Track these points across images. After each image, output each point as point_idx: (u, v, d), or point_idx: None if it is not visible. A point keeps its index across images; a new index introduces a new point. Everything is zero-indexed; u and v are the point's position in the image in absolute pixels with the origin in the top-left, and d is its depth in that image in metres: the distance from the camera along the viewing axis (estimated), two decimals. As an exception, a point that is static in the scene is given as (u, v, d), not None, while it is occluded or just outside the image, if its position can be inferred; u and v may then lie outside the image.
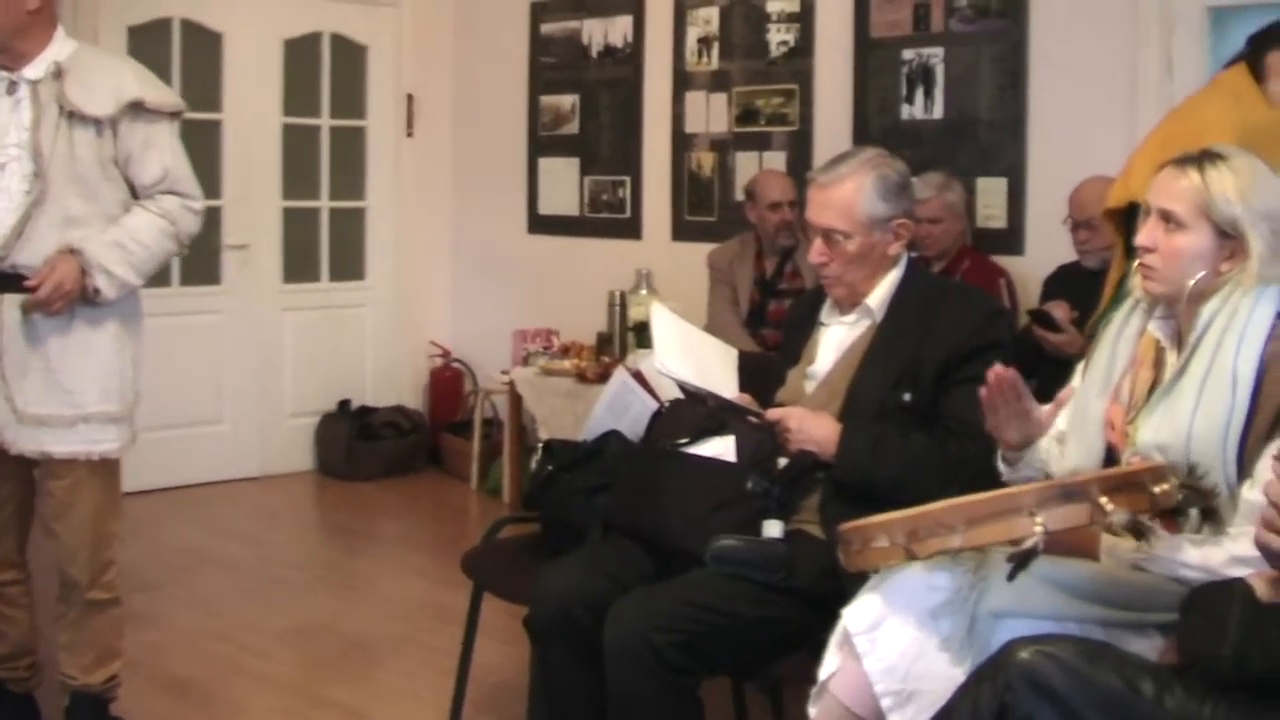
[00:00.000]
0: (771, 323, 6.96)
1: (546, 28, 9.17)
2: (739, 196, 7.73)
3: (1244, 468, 2.98)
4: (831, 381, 4.01)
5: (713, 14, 8.25)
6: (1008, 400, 3.29)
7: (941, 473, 3.70)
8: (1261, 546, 2.50)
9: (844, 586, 3.26)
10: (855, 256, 3.97)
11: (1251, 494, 2.86)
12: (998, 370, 3.27)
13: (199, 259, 8.58)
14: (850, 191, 3.96)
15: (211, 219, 8.44)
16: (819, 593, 3.53)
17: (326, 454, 9.20)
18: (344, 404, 9.29)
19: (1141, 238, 3.22)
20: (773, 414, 3.90)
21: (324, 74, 9.27)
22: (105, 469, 4.34)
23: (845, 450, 3.80)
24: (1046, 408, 3.35)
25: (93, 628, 4.40)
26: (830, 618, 3.13)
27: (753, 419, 3.92)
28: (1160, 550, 3.00)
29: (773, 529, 3.70)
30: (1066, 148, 6.70)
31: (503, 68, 9.40)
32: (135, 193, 4.31)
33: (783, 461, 3.87)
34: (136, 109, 4.23)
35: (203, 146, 8.52)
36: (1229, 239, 3.12)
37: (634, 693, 3.53)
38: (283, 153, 9.08)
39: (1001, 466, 3.46)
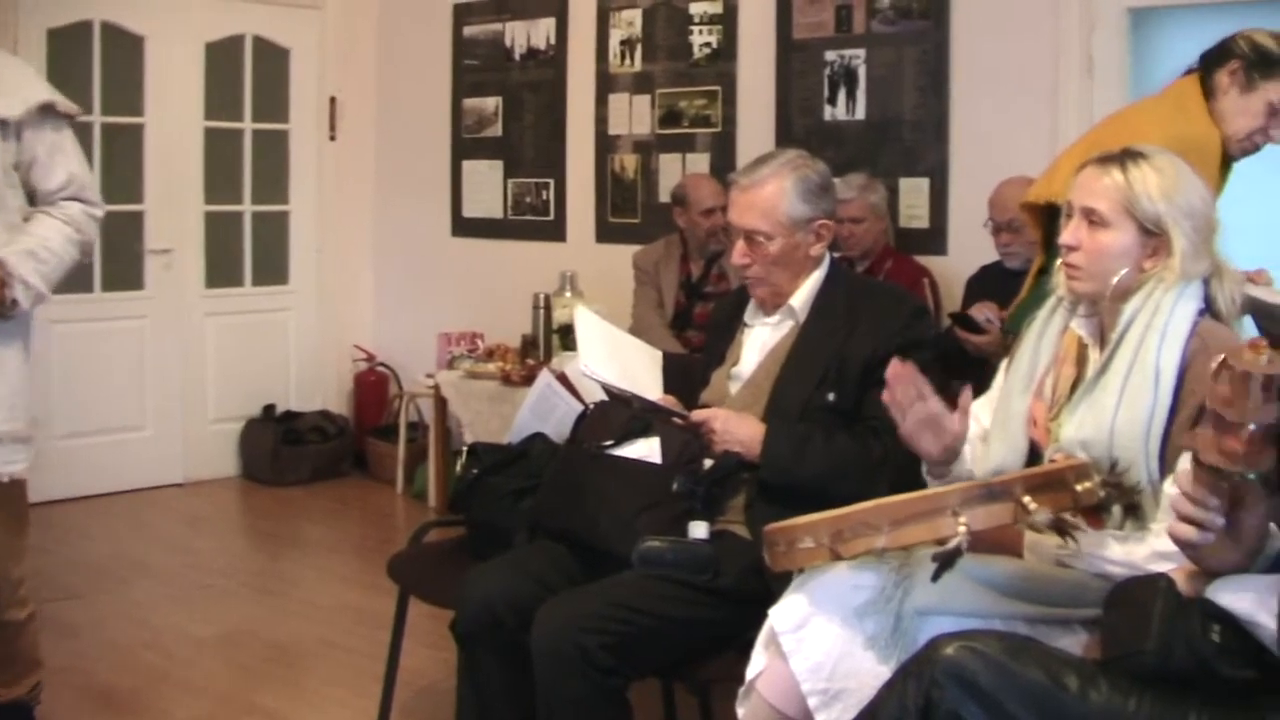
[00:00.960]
0: (697, 325, 6.96)
1: (469, 30, 9.15)
2: (663, 198, 7.75)
3: (1166, 464, 3.01)
4: (756, 382, 4.02)
5: (635, 16, 8.26)
6: (909, 396, 3.29)
7: (866, 472, 3.73)
8: (1175, 537, 2.52)
9: (770, 586, 3.27)
10: (777, 257, 3.99)
11: (1173, 489, 2.88)
12: (895, 366, 3.28)
13: (121, 264, 8.54)
14: (771, 193, 3.98)
15: (134, 224, 8.43)
16: (745, 593, 3.54)
17: (251, 459, 9.15)
18: (268, 409, 9.24)
19: (1065, 237, 3.24)
20: (698, 415, 3.91)
21: (246, 77, 9.21)
22: (13, 489, 4.22)
23: (770, 451, 3.82)
24: (956, 415, 3.35)
25: (13, 644, 4.35)
26: (757, 618, 3.13)
27: (678, 420, 3.93)
28: (1084, 547, 3.02)
29: (698, 530, 3.71)
30: (988, 148, 6.74)
31: (426, 70, 9.37)
32: (33, 199, 4.21)
33: (708, 462, 3.88)
34: (45, 112, 4.15)
35: (125, 151, 8.50)
36: (1152, 236, 3.15)
37: (562, 695, 3.52)
38: (205, 157, 9.01)
39: (929, 480, 3.47)
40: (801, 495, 3.46)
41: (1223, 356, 2.37)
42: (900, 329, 3.92)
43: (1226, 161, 4.43)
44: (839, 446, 3.83)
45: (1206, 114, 4.40)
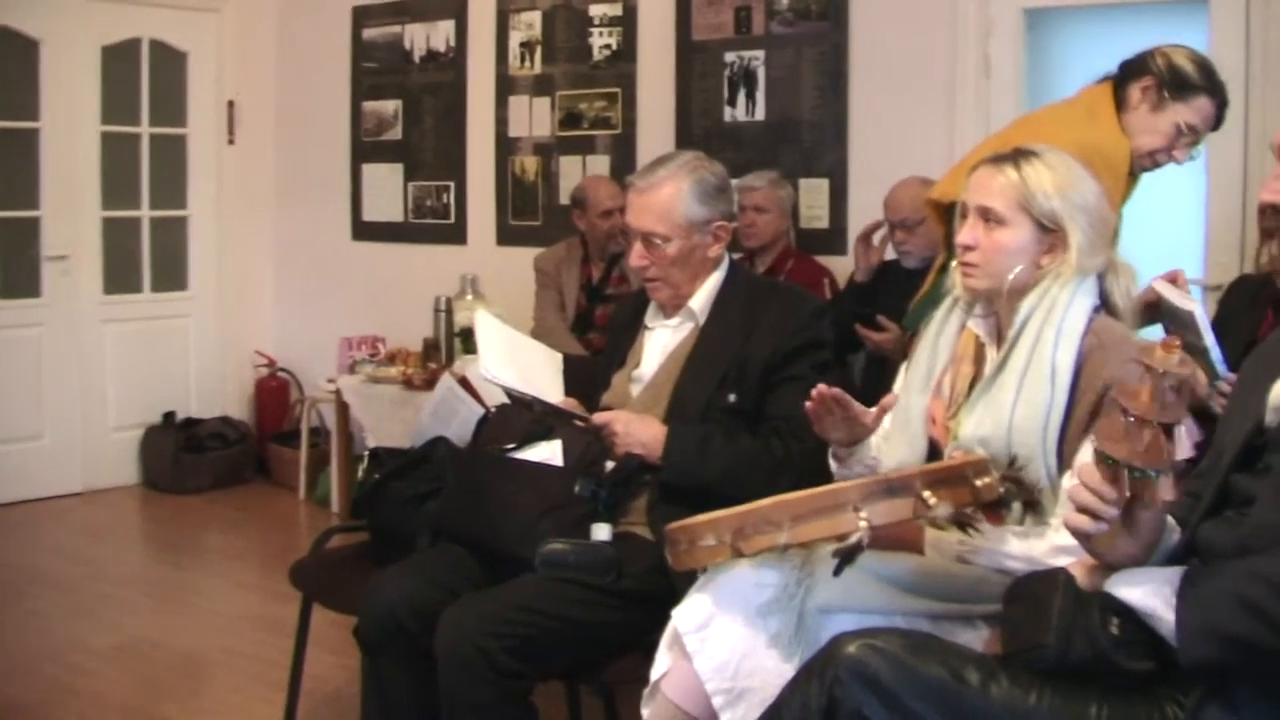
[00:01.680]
0: (598, 327, 6.94)
1: (368, 32, 9.10)
2: (564, 201, 7.74)
3: (1064, 459, 3.04)
4: (657, 384, 4.03)
5: (535, 18, 8.24)
6: (832, 413, 3.33)
7: (768, 471, 3.75)
8: (1070, 527, 2.54)
9: (674, 586, 3.28)
10: (675, 259, 4.00)
11: (1072, 482, 2.91)
12: (821, 389, 3.31)
13: (17, 271, 8.44)
14: (668, 195, 3.99)
15: (30, 230, 8.33)
16: (649, 594, 3.55)
17: (152, 467, 9.06)
18: (169, 416, 9.15)
19: (962, 236, 3.27)
20: (599, 417, 3.91)
21: (143, 81, 9.10)
22: None
23: (671, 452, 3.83)
24: (873, 411, 3.38)
25: None
26: (661, 618, 3.13)
27: (579, 423, 3.93)
28: (984, 542, 3.05)
29: (601, 532, 3.71)
30: (887, 148, 6.78)
31: (325, 73, 9.32)
32: None
33: (610, 464, 3.88)
34: None
35: (20, 156, 8.40)
36: (1048, 233, 3.19)
37: (467, 699, 3.51)
38: (102, 162, 8.91)
39: (833, 464, 3.50)
40: (704, 496, 3.46)
41: (1134, 356, 2.39)
42: (799, 329, 3.95)
43: (1133, 172, 4.48)
44: (740, 447, 3.84)
45: (1116, 124, 4.44)
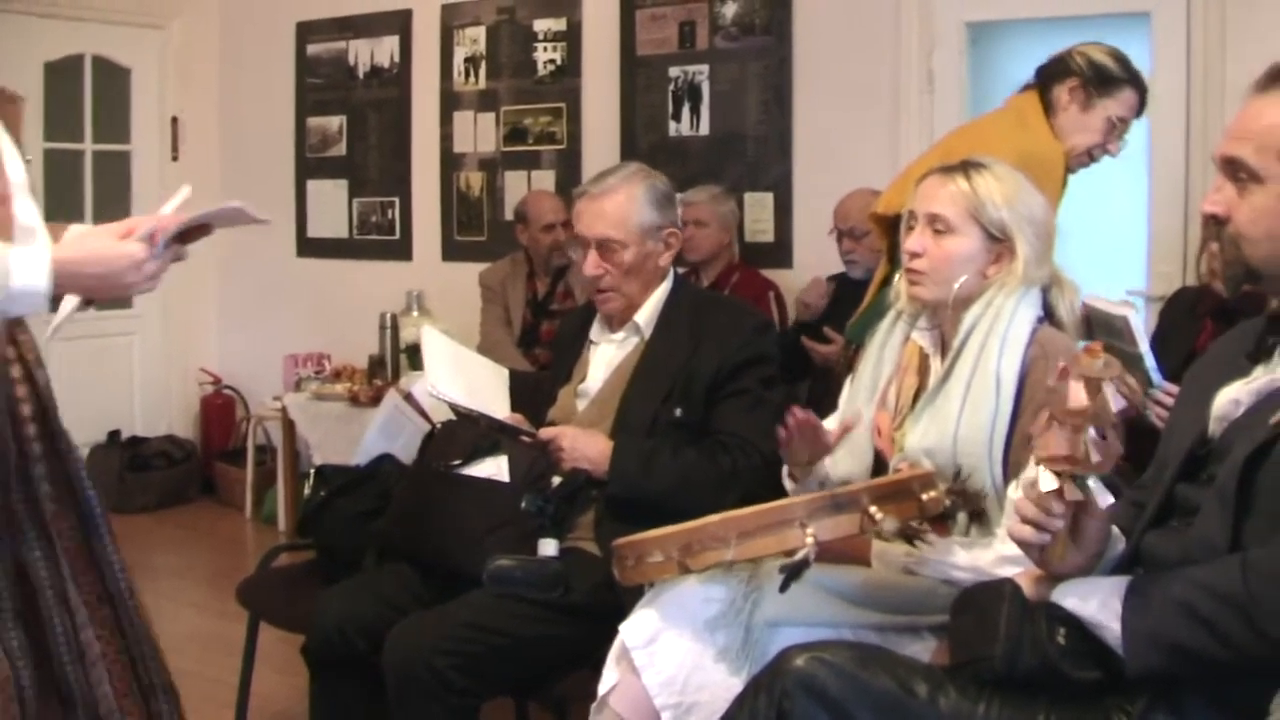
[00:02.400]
0: (544, 343, 6.94)
1: (313, 48, 9.07)
2: (509, 216, 7.72)
3: (1009, 469, 3.06)
4: (602, 399, 4.03)
5: (479, 33, 8.23)
6: (805, 439, 3.34)
7: (714, 486, 3.76)
8: (1014, 538, 2.56)
9: (621, 601, 3.27)
10: (631, 266, 4.01)
11: (1017, 494, 2.92)
12: (797, 414, 3.32)
13: (-43, 290, 8.36)
14: (623, 200, 4.00)
15: (-30, 249, 8.22)
16: (597, 609, 3.54)
17: (97, 486, 8.94)
18: (113, 435, 9.07)
19: (910, 243, 3.29)
20: (545, 433, 3.90)
21: (86, 98, 9.03)
22: None
23: (617, 467, 3.83)
24: (833, 430, 3.39)
25: None
26: (609, 633, 3.12)
27: (525, 438, 3.92)
28: (930, 554, 3.06)
29: (548, 547, 3.69)
30: (831, 162, 6.80)
31: (269, 89, 9.27)
32: None
33: (556, 480, 3.87)
34: None
35: (-40, 174, 8.29)
36: (996, 243, 3.22)
37: (416, 717, 3.50)
38: (45, 179, 8.83)
39: (788, 483, 3.51)
40: (651, 511, 3.45)
41: (1062, 363, 2.40)
42: (745, 343, 3.96)
43: (1069, 170, 4.52)
44: (687, 461, 3.84)
45: (1048, 129, 4.48)
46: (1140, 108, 4.58)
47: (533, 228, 7.17)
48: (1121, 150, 4.61)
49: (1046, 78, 4.57)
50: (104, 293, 2.95)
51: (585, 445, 3.85)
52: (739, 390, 3.88)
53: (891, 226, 4.54)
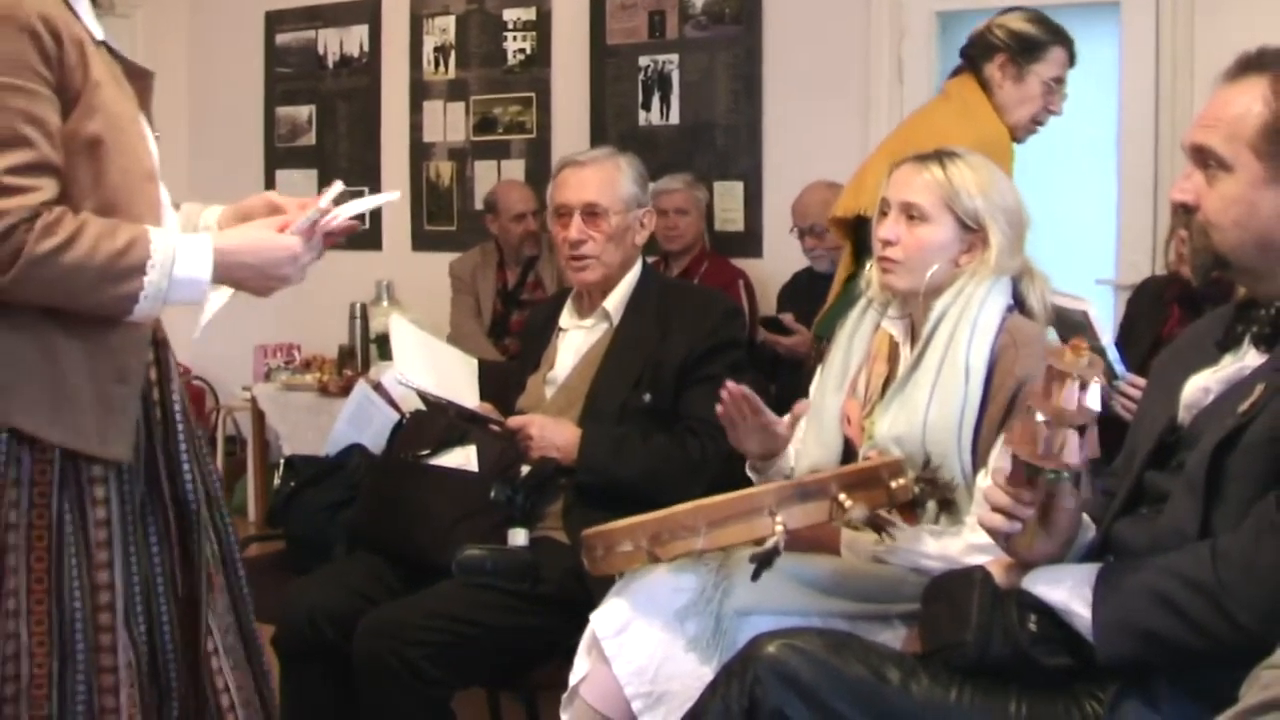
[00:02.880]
0: (514, 333, 6.91)
1: (281, 38, 9.03)
2: (478, 206, 7.71)
3: (979, 457, 3.06)
4: (571, 386, 4.02)
5: (449, 23, 8.21)
6: (744, 414, 3.33)
7: (684, 472, 3.76)
8: (985, 526, 2.56)
9: (591, 591, 3.27)
10: (615, 234, 4.01)
11: (986, 483, 2.92)
12: (730, 386, 3.31)
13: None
14: (611, 169, 4.05)
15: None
16: (567, 598, 3.53)
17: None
18: (83, 426, 9.03)
19: (884, 231, 3.28)
20: (514, 421, 3.90)
21: (53, 88, 8.97)
22: None
23: (586, 455, 3.82)
24: (785, 419, 3.40)
25: None
26: (579, 623, 3.12)
27: (494, 427, 3.92)
28: (900, 542, 3.06)
29: (518, 537, 3.70)
30: (801, 151, 6.81)
31: (238, 79, 9.23)
32: None
33: (526, 469, 3.86)
34: None
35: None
36: (969, 232, 3.22)
37: (387, 707, 3.50)
38: (9, 170, 8.79)
39: (751, 475, 3.50)
40: (620, 498, 3.46)
41: (1050, 363, 2.41)
42: (713, 329, 3.96)
43: (1017, 141, 4.52)
44: (656, 448, 3.84)
45: (992, 111, 4.47)
46: (1071, 59, 4.56)
47: (503, 218, 7.15)
48: (1063, 105, 4.59)
49: (973, 58, 4.56)
50: (257, 284, 3.05)
51: (554, 433, 3.85)
52: (708, 376, 3.87)
53: (851, 227, 4.54)
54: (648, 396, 3.90)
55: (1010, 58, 4.45)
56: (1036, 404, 2.39)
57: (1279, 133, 2.46)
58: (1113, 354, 3.71)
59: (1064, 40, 4.51)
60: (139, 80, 3.06)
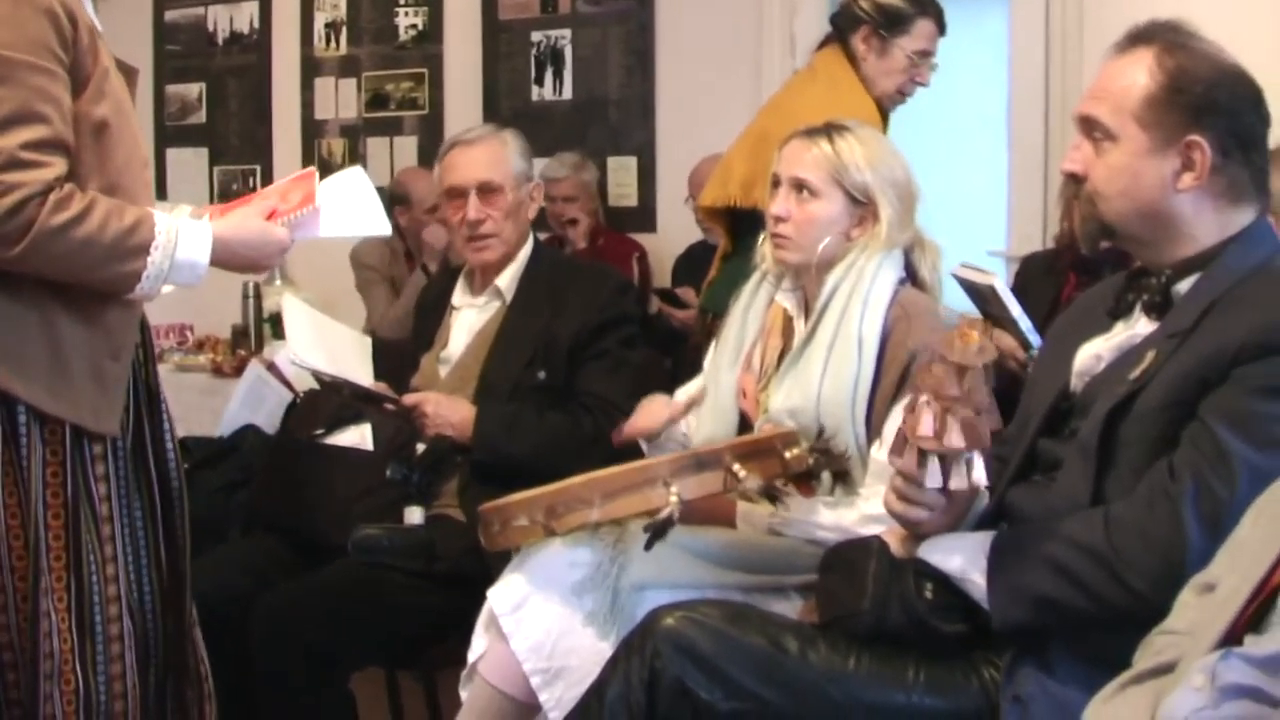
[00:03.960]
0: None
1: (170, 15, 8.88)
2: (373, 183, 7.63)
3: (872, 429, 3.08)
4: (464, 364, 4.02)
5: (340, -2, 8.16)
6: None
7: (579, 448, 3.76)
8: (895, 515, 2.58)
9: (489, 568, 3.26)
10: (511, 210, 4.03)
11: (880, 454, 2.95)
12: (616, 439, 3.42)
13: None
14: (498, 145, 4.07)
15: None
16: (464, 576, 3.52)
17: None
18: (-29, 410, 8.92)
19: (775, 208, 3.29)
20: (408, 399, 3.89)
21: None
22: None
23: (481, 432, 3.82)
24: (678, 402, 3.42)
25: None
26: (477, 600, 3.11)
27: (389, 405, 3.90)
28: (795, 514, 3.08)
29: (414, 515, 3.69)
30: (694, 126, 6.79)
31: (127, 56, 8.85)
32: None
33: (421, 447, 3.86)
34: None
35: None
36: (859, 205, 3.24)
37: (284, 688, 3.49)
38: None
39: (644, 445, 3.51)
40: (516, 475, 3.42)
41: (938, 352, 2.42)
42: (606, 304, 3.97)
43: (884, 114, 4.53)
44: (550, 424, 3.84)
45: (858, 83, 4.47)
46: (941, 30, 4.56)
47: (416, 210, 6.89)
48: (933, 77, 4.60)
49: (840, 29, 4.56)
50: (244, 269, 3.26)
51: (448, 411, 3.84)
52: (600, 352, 3.89)
53: (723, 215, 4.54)
54: (542, 374, 3.90)
55: (874, 30, 4.44)
56: (930, 393, 2.40)
57: (1163, 103, 2.49)
58: (1025, 324, 3.72)
59: (931, 12, 4.50)
60: (126, 76, 3.21)
